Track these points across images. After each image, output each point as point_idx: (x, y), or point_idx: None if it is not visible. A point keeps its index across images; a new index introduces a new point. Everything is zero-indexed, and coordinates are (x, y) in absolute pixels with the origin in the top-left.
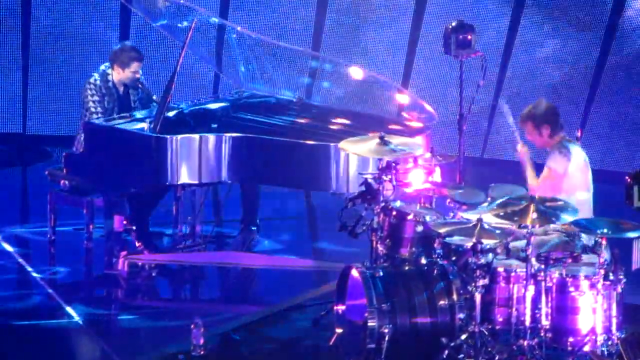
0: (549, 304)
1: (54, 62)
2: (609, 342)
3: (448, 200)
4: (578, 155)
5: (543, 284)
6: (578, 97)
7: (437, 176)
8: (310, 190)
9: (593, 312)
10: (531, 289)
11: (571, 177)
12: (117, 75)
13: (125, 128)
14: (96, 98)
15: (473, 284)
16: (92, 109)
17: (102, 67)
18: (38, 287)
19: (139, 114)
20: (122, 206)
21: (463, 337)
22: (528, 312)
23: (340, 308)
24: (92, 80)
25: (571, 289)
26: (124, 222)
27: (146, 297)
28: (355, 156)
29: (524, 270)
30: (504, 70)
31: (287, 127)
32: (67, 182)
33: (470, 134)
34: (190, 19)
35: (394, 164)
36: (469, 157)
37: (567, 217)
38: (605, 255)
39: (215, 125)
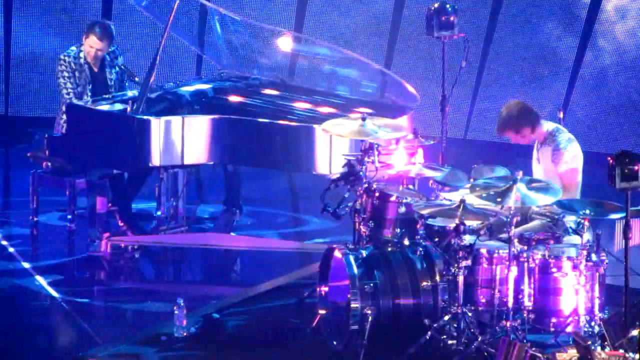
0: (532, 285)
1: (36, 43)
2: (592, 323)
3: (431, 181)
4: (574, 144)
5: (526, 265)
6: (560, 78)
7: (419, 157)
8: (293, 172)
9: (576, 293)
10: (514, 270)
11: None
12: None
13: (108, 109)
14: (66, 74)
15: (456, 265)
16: (62, 85)
17: (76, 44)
18: (20, 268)
19: (124, 94)
20: (104, 188)
21: (446, 318)
22: (511, 293)
23: (323, 289)
24: (62, 56)
25: (554, 270)
26: (108, 204)
27: (129, 278)
28: (338, 137)
29: (507, 251)
30: (486, 51)
31: (269, 108)
32: (49, 164)
33: (452, 115)
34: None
35: (376, 146)
36: (451, 139)
37: (550, 199)
38: (588, 236)
39: (198, 107)
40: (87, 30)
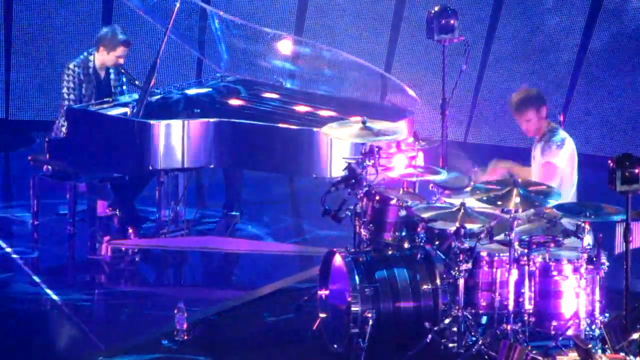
0: (532, 288)
1: (37, 47)
2: (592, 326)
3: (431, 184)
4: (569, 145)
5: (526, 268)
6: (560, 81)
7: (420, 161)
8: (293, 175)
9: (576, 297)
10: (514, 273)
11: (563, 168)
12: (101, 57)
13: (108, 113)
14: (71, 85)
15: (456, 269)
16: (65, 95)
17: (85, 52)
18: (21, 272)
19: (124, 98)
20: (105, 191)
21: (446, 321)
22: (511, 296)
23: (324, 293)
24: (70, 65)
25: (554, 273)
26: (107, 208)
27: (129, 282)
28: (338, 141)
29: (507, 254)
30: (486, 54)
31: (270, 111)
32: (50, 167)
33: (453, 118)
34: (173, 3)
35: (377, 149)
36: (452, 142)
37: (550, 202)
38: (588, 239)
39: (198, 110)
40: (111, 42)
